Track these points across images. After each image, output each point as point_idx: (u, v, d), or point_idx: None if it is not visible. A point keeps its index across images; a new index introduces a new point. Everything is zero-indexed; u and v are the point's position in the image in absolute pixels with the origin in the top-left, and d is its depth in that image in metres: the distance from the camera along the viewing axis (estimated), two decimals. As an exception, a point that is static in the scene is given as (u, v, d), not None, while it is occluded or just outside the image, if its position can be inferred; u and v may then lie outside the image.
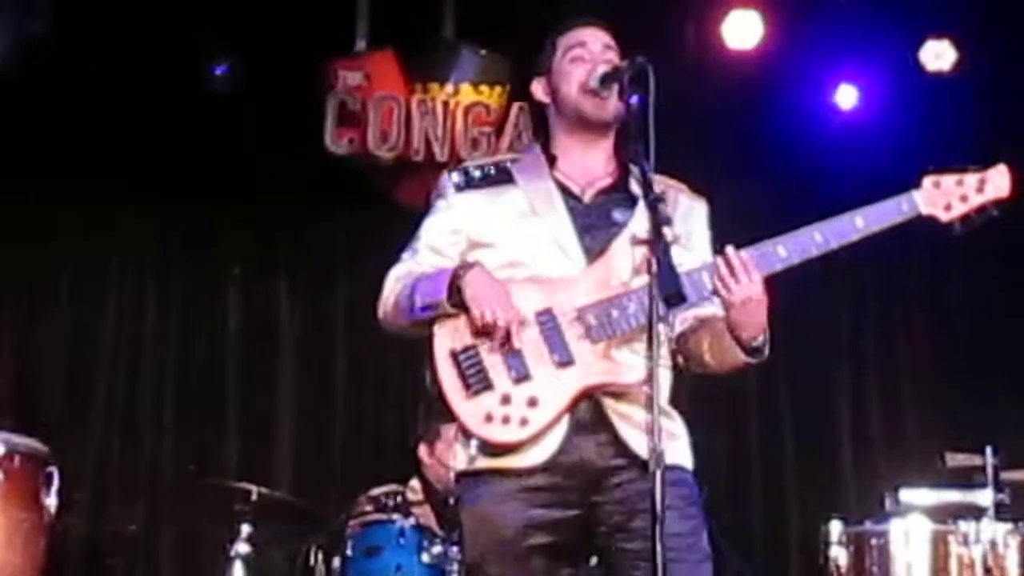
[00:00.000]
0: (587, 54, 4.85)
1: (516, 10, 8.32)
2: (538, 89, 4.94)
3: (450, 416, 4.71)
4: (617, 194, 4.80)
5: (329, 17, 8.60)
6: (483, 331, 4.59)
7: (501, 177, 4.92)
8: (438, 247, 4.85)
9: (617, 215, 4.71)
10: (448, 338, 4.67)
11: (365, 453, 8.70)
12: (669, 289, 4.26)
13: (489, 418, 4.58)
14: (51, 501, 6.69)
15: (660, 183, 4.62)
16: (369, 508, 7.36)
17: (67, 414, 8.51)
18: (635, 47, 4.80)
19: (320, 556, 6.97)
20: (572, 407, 4.55)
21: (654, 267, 4.25)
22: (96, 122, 8.24)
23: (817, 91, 8.96)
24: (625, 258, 4.60)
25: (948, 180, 4.69)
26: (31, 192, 8.36)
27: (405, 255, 4.91)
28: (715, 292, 4.56)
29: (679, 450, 4.66)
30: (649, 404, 4.34)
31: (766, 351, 4.63)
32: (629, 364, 4.56)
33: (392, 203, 8.60)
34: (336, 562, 7.06)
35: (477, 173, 4.94)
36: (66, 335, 8.73)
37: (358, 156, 8.59)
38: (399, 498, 7.38)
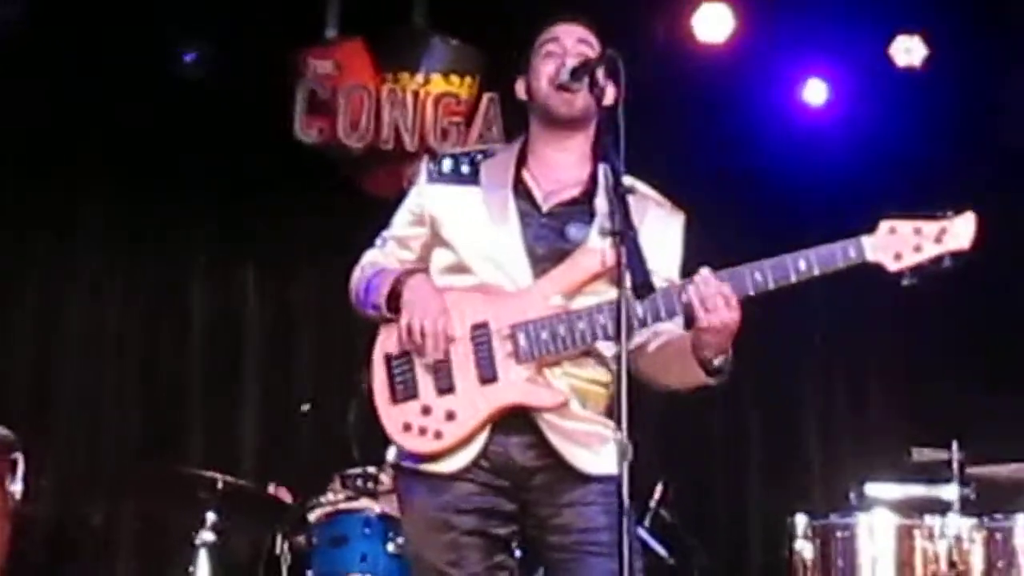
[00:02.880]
0: (559, 49, 4.84)
1: (486, 2, 8.34)
2: (520, 88, 4.94)
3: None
4: (577, 207, 4.77)
5: (299, 4, 8.61)
6: (408, 340, 4.61)
7: (468, 175, 4.89)
8: (404, 239, 4.90)
9: (572, 232, 4.70)
10: (388, 341, 4.72)
11: (329, 441, 8.68)
12: (638, 279, 4.24)
13: (407, 427, 4.64)
14: (16, 488, 6.71)
15: (640, 195, 4.69)
16: (340, 496, 7.39)
17: (32, 401, 8.49)
18: (605, 40, 4.83)
19: (286, 545, 6.97)
20: (487, 423, 4.57)
21: (623, 257, 4.26)
22: (62, 108, 8.23)
23: (787, 85, 8.99)
24: (571, 276, 4.62)
25: (905, 227, 4.55)
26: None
27: (377, 241, 4.95)
28: (690, 313, 4.53)
29: (605, 455, 4.53)
30: (581, 416, 4.59)
31: (727, 372, 4.63)
32: (550, 386, 4.59)
33: (361, 192, 8.61)
34: (301, 551, 7.10)
35: (451, 166, 4.92)
36: (31, 323, 8.70)
37: (327, 145, 8.61)
38: (371, 482, 7.39)
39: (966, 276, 8.62)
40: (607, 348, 4.64)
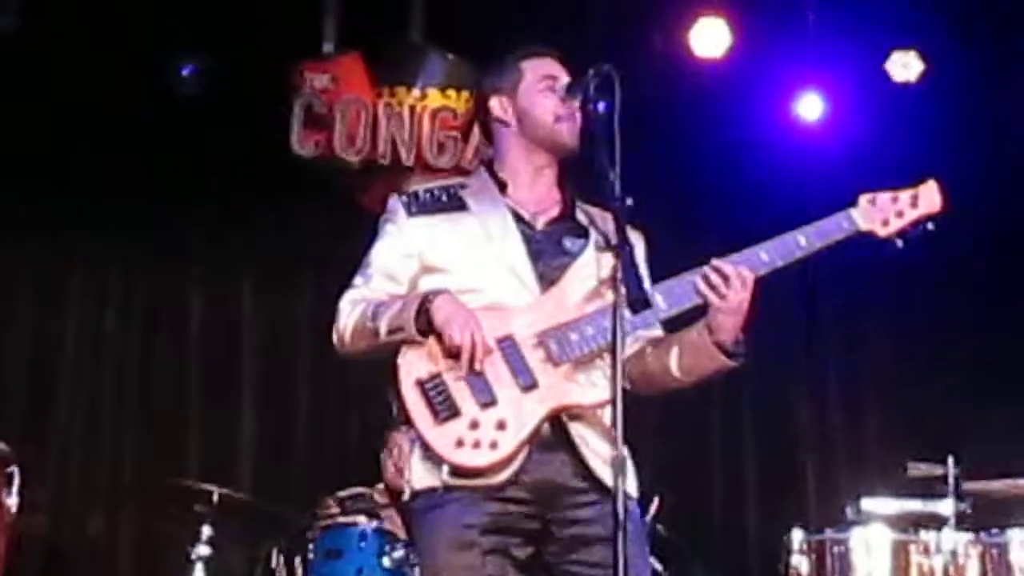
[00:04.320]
0: (558, 87, 4.95)
1: (484, 15, 8.33)
2: (498, 106, 4.99)
3: (402, 425, 4.81)
4: (566, 223, 4.89)
5: (297, 18, 8.62)
6: (452, 354, 4.64)
7: (453, 203, 4.98)
8: (391, 272, 4.91)
9: (568, 244, 4.84)
10: (413, 367, 4.72)
11: (327, 456, 8.71)
12: (635, 295, 4.35)
13: (460, 443, 4.63)
14: (11, 500, 6.71)
15: (597, 214, 4.88)
16: (335, 510, 7.39)
17: (29, 414, 8.50)
18: (602, 53, 4.83)
19: (281, 558, 6.98)
20: (539, 428, 4.62)
21: (619, 273, 4.34)
22: (61, 119, 8.23)
23: (784, 99, 8.99)
24: (578, 285, 4.71)
25: (883, 197, 4.94)
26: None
27: (357, 280, 4.95)
28: (704, 300, 4.70)
29: (630, 480, 4.65)
30: (607, 433, 4.52)
31: (743, 354, 4.77)
32: (591, 385, 4.64)
33: (358, 206, 8.60)
34: (297, 564, 7.09)
35: (428, 197, 5.00)
36: (28, 335, 8.71)
37: (324, 159, 8.62)
38: (362, 500, 7.41)
39: (960, 290, 8.68)
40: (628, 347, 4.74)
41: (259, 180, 8.61)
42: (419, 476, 4.75)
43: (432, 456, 4.69)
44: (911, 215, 4.96)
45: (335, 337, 4.92)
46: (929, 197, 5.01)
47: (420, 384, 4.67)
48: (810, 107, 9.01)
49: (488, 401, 4.66)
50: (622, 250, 4.40)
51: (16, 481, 6.73)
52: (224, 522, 6.99)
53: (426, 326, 4.64)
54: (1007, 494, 7.33)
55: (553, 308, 4.74)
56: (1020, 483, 7.36)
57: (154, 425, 8.73)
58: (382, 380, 7.48)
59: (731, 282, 4.70)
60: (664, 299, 4.76)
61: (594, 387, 4.66)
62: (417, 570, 6.92)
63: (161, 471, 8.17)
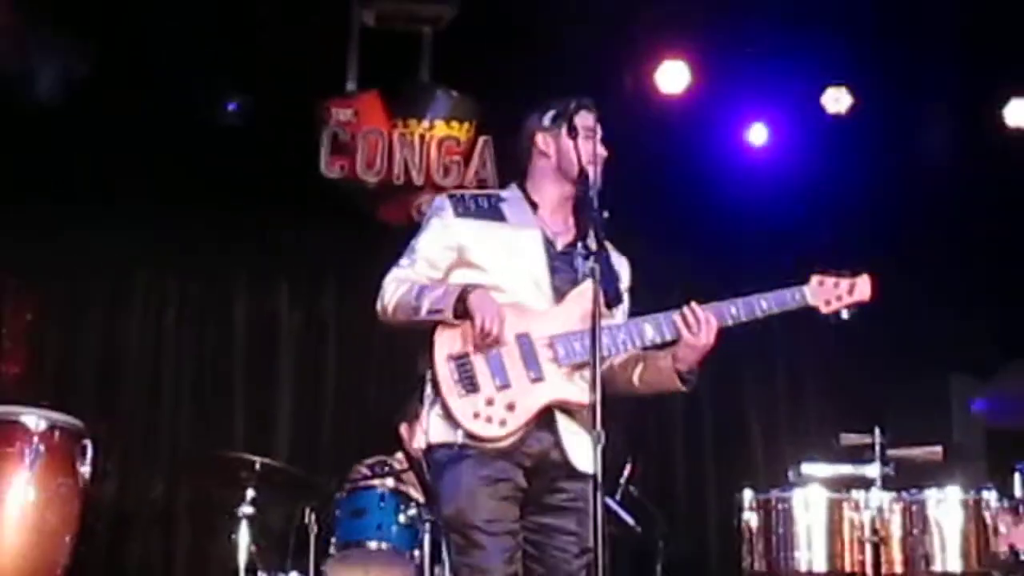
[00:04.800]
0: (593, 133, 5.03)
1: (482, 60, 8.33)
2: (542, 141, 5.10)
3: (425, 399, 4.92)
4: (578, 249, 4.88)
5: (324, 62, 8.60)
6: (479, 338, 4.77)
7: (494, 213, 5.08)
8: (434, 261, 4.99)
9: (577, 266, 4.90)
10: (447, 344, 4.84)
11: (350, 429, 8.72)
12: (611, 292, 4.59)
13: (476, 415, 4.78)
14: (85, 469, 6.69)
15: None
16: (364, 473, 7.40)
17: (99, 396, 8.50)
18: (575, 86, 4.87)
19: (313, 517, 6.97)
20: (540, 414, 4.77)
21: (597, 272, 4.49)
22: (128, 149, 8.22)
23: (736, 128, 8.99)
24: (582, 302, 4.72)
25: (829, 282, 5.19)
26: (73, 209, 8.32)
27: (403, 262, 5.04)
28: (677, 334, 4.94)
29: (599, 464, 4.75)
30: (585, 426, 4.68)
31: (694, 382, 5.04)
32: (584, 388, 4.64)
33: (376, 220, 8.61)
34: (326, 520, 7.10)
35: (473, 204, 5.12)
36: (99, 330, 8.71)
37: (347, 180, 8.59)
38: (387, 467, 7.43)
39: (884, 287, 8.64)
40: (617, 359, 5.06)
41: (293, 198, 8.60)
42: (435, 431, 4.86)
43: (449, 418, 4.80)
44: (847, 300, 5.21)
45: (379, 308, 5.01)
46: (863, 288, 5.25)
47: (451, 359, 4.81)
48: (758, 135, 9.01)
49: (503, 384, 4.80)
50: (599, 255, 4.56)
51: (89, 453, 6.71)
52: (264, 486, 6.97)
53: (462, 312, 4.76)
54: (924, 459, 7.33)
55: (563, 318, 4.86)
56: (935, 450, 7.36)
57: (205, 405, 8.75)
58: (398, 367, 7.52)
59: (700, 325, 4.91)
60: (653, 329, 4.97)
61: (585, 391, 4.67)
62: (427, 524, 6.97)
63: (211, 444, 8.20)
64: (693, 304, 4.95)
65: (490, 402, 4.78)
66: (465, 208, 5.06)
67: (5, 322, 8.44)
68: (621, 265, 5.10)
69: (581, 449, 4.77)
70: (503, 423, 4.77)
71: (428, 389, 4.91)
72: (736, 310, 5.04)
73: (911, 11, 8.37)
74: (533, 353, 4.85)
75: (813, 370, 9.36)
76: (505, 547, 4.81)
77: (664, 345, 5.00)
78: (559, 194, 5.09)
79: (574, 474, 4.81)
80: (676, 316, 4.95)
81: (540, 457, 4.83)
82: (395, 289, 4.94)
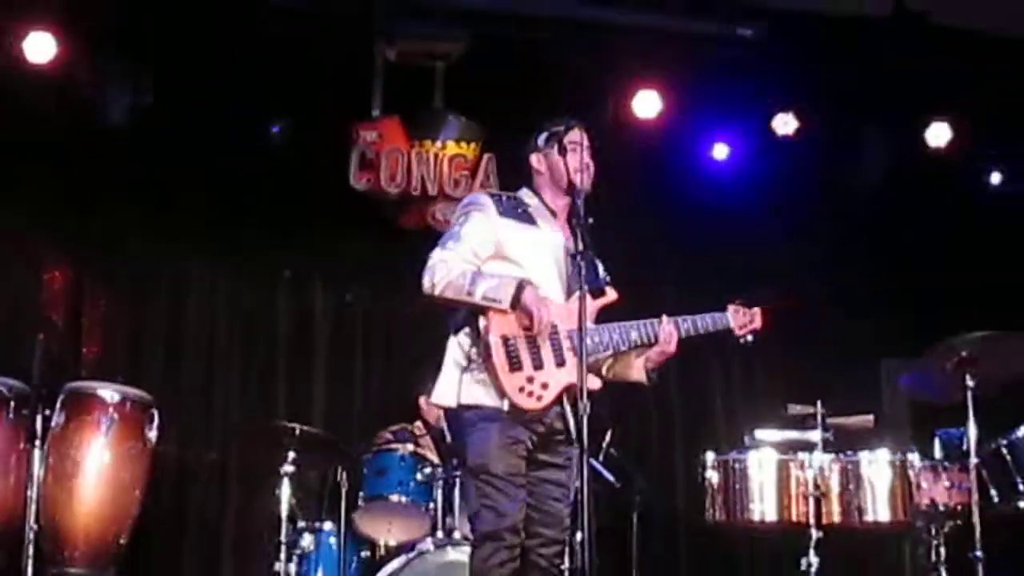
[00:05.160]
0: (579, 147, 5.12)
1: (487, 89, 8.33)
2: (536, 160, 5.20)
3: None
4: (582, 256, 4.91)
5: (353, 91, 8.61)
6: (530, 327, 4.87)
7: (527, 218, 5.13)
8: (476, 250, 5.00)
9: (584, 274, 4.89)
10: (499, 327, 4.90)
11: (375, 401, 8.73)
12: (593, 285, 4.72)
13: (521, 390, 4.87)
14: (152, 434, 6.71)
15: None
16: (388, 438, 7.45)
17: (164, 374, 8.51)
18: (565, 112, 4.89)
19: (343, 475, 6.98)
20: (563, 394, 4.88)
21: (583, 269, 4.56)
22: (187, 164, 8.23)
23: (701, 148, 9.00)
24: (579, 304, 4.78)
25: (741, 311, 5.47)
26: (141, 216, 8.34)
27: (450, 245, 5.02)
28: (654, 340, 5.15)
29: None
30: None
31: (656, 379, 5.30)
32: (591, 376, 4.82)
33: (397, 226, 8.62)
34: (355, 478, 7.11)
35: (510, 206, 5.16)
36: (164, 318, 8.72)
37: (373, 191, 8.59)
38: (407, 433, 7.45)
39: (821, 281, 8.61)
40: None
41: (326, 206, 8.59)
42: (468, 394, 4.93)
43: (494, 386, 4.89)
44: (750, 327, 5.50)
45: (427, 283, 4.96)
46: (758, 320, 5.55)
47: (504, 339, 4.88)
48: (720, 152, 9.01)
49: (539, 366, 4.89)
50: (584, 256, 4.63)
51: (155, 420, 6.73)
52: (303, 449, 6.96)
53: (517, 303, 4.80)
54: (858, 427, 7.33)
55: (571, 314, 4.86)
56: (867, 419, 7.35)
57: (253, 381, 8.76)
58: (415, 349, 7.50)
59: (672, 337, 5.18)
60: (637, 334, 5.13)
61: (592, 378, 4.85)
62: (440, 482, 6.97)
63: (258, 413, 8.23)
64: (665, 318, 5.13)
65: (530, 380, 4.87)
66: (504, 209, 5.10)
67: (85, 312, 8.45)
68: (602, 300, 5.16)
69: (571, 415, 4.89)
70: (540, 398, 4.87)
71: (462, 359, 4.96)
72: (688, 326, 5.26)
73: (848, 50, 8.39)
74: (558, 342, 4.95)
75: (765, 353, 9.30)
76: (519, 496, 4.91)
77: (639, 346, 5.17)
78: (563, 203, 5.15)
79: (571, 440, 4.90)
80: (654, 326, 5.13)
81: (550, 426, 4.92)
82: (446, 270, 4.92)
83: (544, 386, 4.88)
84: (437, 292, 4.92)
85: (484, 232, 5.00)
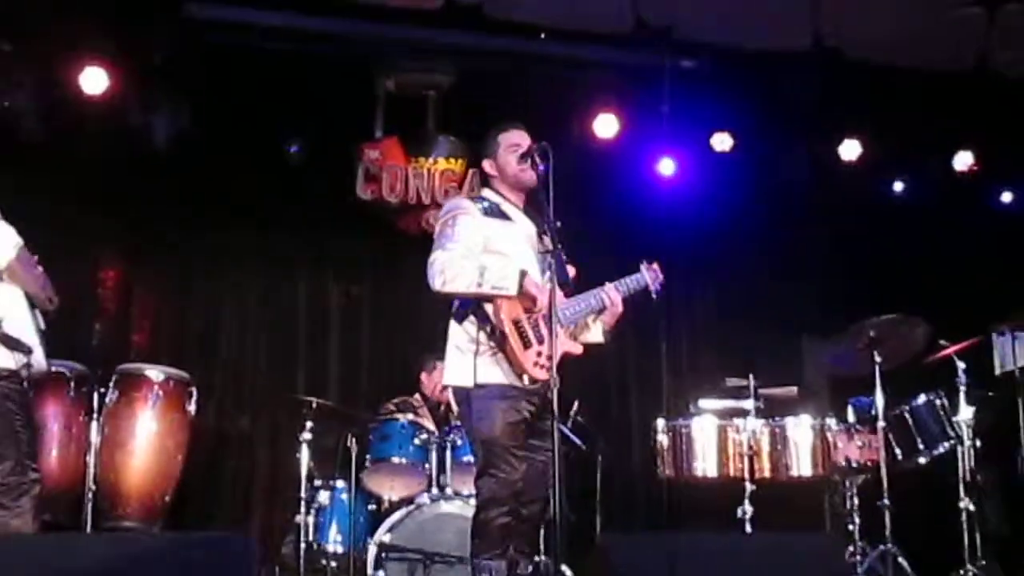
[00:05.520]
0: (519, 147, 5.05)
1: (471, 114, 8.33)
2: (487, 166, 5.14)
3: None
4: (546, 252, 4.92)
5: (359, 117, 8.63)
6: (528, 308, 4.84)
7: (505, 215, 5.06)
8: (470, 247, 4.93)
9: (549, 260, 4.92)
10: (509, 311, 4.85)
11: (380, 378, 8.71)
12: (562, 280, 4.62)
13: (536, 364, 4.83)
14: (191, 408, 6.75)
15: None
16: (391, 409, 7.43)
17: (201, 354, 8.47)
18: (541, 135, 4.90)
19: (353, 440, 6.97)
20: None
21: (553, 265, 4.56)
22: (218, 181, 8.22)
23: (650, 163, 9.00)
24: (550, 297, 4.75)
25: (648, 270, 5.29)
26: (181, 222, 8.32)
27: (448, 245, 4.94)
28: (602, 309, 5.09)
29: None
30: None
31: (611, 337, 5.24)
32: (574, 343, 4.97)
33: (396, 229, 8.62)
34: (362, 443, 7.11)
35: (489, 206, 5.07)
36: (201, 310, 8.70)
37: (376, 201, 8.61)
38: (406, 405, 7.47)
39: (757, 275, 8.62)
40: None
41: (337, 213, 8.60)
42: (484, 374, 4.87)
43: (510, 364, 4.86)
44: (659, 281, 5.30)
45: (438, 282, 4.88)
46: (660, 275, 5.33)
47: (514, 322, 4.83)
48: (666, 167, 9.02)
49: (540, 340, 4.82)
50: (556, 255, 4.61)
51: (194, 396, 6.76)
52: (319, 419, 6.97)
53: (521, 289, 4.78)
54: (784, 396, 7.37)
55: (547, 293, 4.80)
56: (791, 390, 7.40)
57: (277, 361, 8.72)
58: (414, 333, 7.47)
59: (615, 300, 5.11)
60: (595, 300, 5.09)
61: (576, 344, 4.99)
62: (434, 447, 6.97)
63: (281, 389, 8.21)
64: (607, 284, 5.10)
65: (539, 353, 4.81)
66: (485, 209, 5.04)
67: (133, 305, 8.44)
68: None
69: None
70: (548, 369, 4.75)
71: (471, 344, 4.92)
72: (624, 288, 5.16)
73: (775, 79, 8.42)
74: (548, 319, 4.81)
75: (706, 334, 9.39)
76: (520, 466, 4.86)
77: (595, 312, 5.15)
78: (517, 198, 5.11)
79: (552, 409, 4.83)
80: (602, 294, 5.09)
81: (543, 398, 4.82)
82: (455, 270, 4.86)
83: (548, 358, 4.79)
84: (448, 288, 4.85)
85: (473, 231, 4.94)
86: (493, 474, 4.83)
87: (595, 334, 5.19)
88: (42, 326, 5.41)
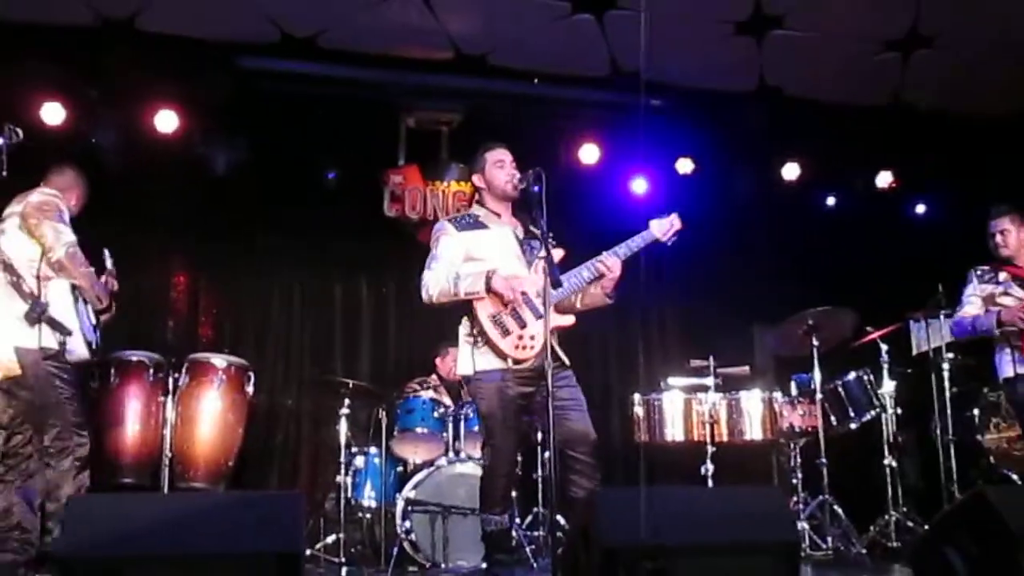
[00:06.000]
0: (505, 164, 5.06)
1: (478, 144, 8.32)
2: (477, 180, 5.12)
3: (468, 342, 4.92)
4: (529, 240, 4.93)
5: (384, 148, 8.63)
6: (507, 300, 4.77)
7: (479, 224, 5.02)
8: (451, 261, 4.93)
9: (532, 247, 4.89)
10: (486, 309, 4.83)
11: (403, 361, 8.70)
12: (554, 279, 4.63)
13: (516, 347, 4.78)
14: (249, 389, 6.77)
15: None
16: (414, 387, 7.41)
17: (256, 344, 8.47)
18: (536, 161, 4.90)
19: (383, 414, 6.98)
20: (547, 338, 4.64)
21: (546, 268, 4.53)
22: (268, 203, 8.22)
23: (624, 182, 9.00)
24: (540, 270, 4.69)
25: (660, 220, 5.20)
26: (237, 240, 8.32)
27: (433, 265, 4.97)
28: (600, 276, 4.93)
29: (565, 359, 4.92)
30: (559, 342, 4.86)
31: (614, 297, 5.04)
32: (560, 317, 4.86)
33: (416, 241, 8.59)
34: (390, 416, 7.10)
35: (464, 221, 5.07)
36: (256, 308, 8.67)
37: (400, 217, 8.59)
38: (426, 384, 7.45)
39: (720, 271, 8.58)
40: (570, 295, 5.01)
41: (368, 228, 8.56)
42: (480, 363, 4.84)
43: (495, 352, 4.79)
44: (674, 230, 5.20)
45: (425, 297, 4.93)
46: (676, 221, 5.22)
47: (491, 316, 4.82)
48: (639, 186, 9.02)
49: (523, 325, 4.79)
50: (548, 260, 4.58)
51: (251, 379, 6.77)
52: (355, 396, 7.00)
53: (489, 288, 4.76)
54: (738, 374, 7.38)
55: (537, 279, 4.78)
56: (744, 369, 7.41)
57: (318, 349, 8.67)
58: (430, 326, 7.44)
59: (611, 265, 4.94)
60: (587, 272, 4.96)
61: (561, 317, 4.86)
62: (450, 420, 6.97)
63: (322, 372, 8.19)
64: (604, 253, 4.97)
65: (520, 337, 4.77)
66: (461, 225, 5.03)
67: (201, 304, 8.43)
68: (557, 256, 5.02)
69: (562, 351, 4.86)
70: (531, 348, 4.76)
71: (469, 338, 4.89)
72: (624, 250, 5.03)
73: (726, 113, 8.43)
74: (532, 302, 4.82)
75: (674, 320, 9.38)
76: (513, 437, 4.86)
77: (592, 281, 5.01)
78: (502, 207, 5.07)
79: (563, 367, 4.84)
80: (598, 263, 4.95)
81: (539, 370, 4.67)
82: (435, 284, 4.89)
83: (532, 337, 4.79)
84: (434, 300, 4.91)
85: (453, 248, 4.96)
86: (492, 444, 4.87)
87: (599, 298, 5.11)
88: (92, 320, 5.36)
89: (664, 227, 5.16)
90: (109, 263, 5.64)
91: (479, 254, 4.95)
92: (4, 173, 4.93)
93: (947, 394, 6.79)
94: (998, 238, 6.03)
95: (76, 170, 5.62)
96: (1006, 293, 5.94)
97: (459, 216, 5.17)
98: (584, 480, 4.77)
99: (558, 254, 4.98)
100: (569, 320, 4.96)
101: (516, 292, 4.79)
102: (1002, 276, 6.00)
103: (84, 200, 5.61)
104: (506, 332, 4.80)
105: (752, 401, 7.12)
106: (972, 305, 6.04)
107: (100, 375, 6.45)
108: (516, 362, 4.78)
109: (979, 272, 6.09)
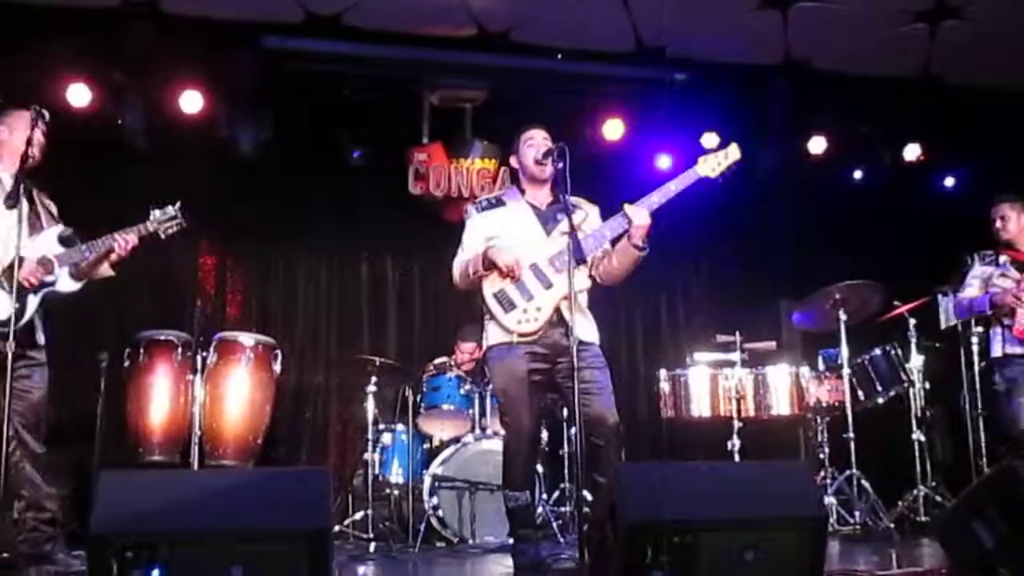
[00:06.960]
0: (535, 143, 4.99)
1: (501, 121, 8.31)
2: (512, 161, 5.09)
3: (483, 326, 4.94)
4: (554, 208, 4.91)
5: (409, 126, 8.61)
6: (506, 272, 4.74)
7: (499, 204, 5.04)
8: (475, 246, 4.95)
9: (558, 216, 4.88)
10: (491, 286, 4.84)
11: (428, 341, 8.71)
12: (577, 255, 4.57)
13: (520, 321, 4.74)
14: (276, 367, 6.80)
15: (578, 201, 4.94)
16: (433, 367, 7.42)
17: (284, 324, 8.50)
18: (560, 137, 4.88)
19: (409, 391, 7.01)
20: (556, 310, 4.69)
21: (571, 243, 4.50)
22: (295, 182, 8.23)
23: (650, 158, 8.94)
24: (562, 237, 4.69)
25: (710, 155, 4.97)
26: (264, 219, 8.33)
27: (459, 251, 5.02)
28: (625, 226, 4.78)
29: (594, 333, 4.79)
30: (580, 312, 4.76)
31: (647, 248, 4.83)
32: (576, 280, 4.62)
33: (441, 218, 8.61)
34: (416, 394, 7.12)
35: (485, 203, 5.10)
36: (282, 286, 8.69)
37: (425, 195, 8.58)
38: (447, 363, 7.46)
39: (744, 250, 8.53)
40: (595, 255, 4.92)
41: (393, 206, 8.56)
42: (491, 337, 4.87)
43: (502, 327, 4.79)
44: (725, 164, 4.95)
45: (454, 280, 5.00)
46: (733, 152, 4.98)
47: (494, 294, 4.81)
48: (664, 162, 8.96)
49: (529, 297, 4.74)
50: (571, 234, 4.57)
51: (279, 357, 6.80)
52: (381, 374, 7.03)
53: (489, 265, 4.79)
54: (764, 350, 7.36)
55: (555, 244, 4.79)
56: (771, 344, 7.40)
57: (345, 327, 8.71)
58: (454, 308, 7.43)
59: (637, 214, 4.78)
60: (610, 229, 4.84)
61: (577, 280, 4.67)
62: (476, 396, 7.00)
63: (350, 350, 8.24)
64: (627, 206, 4.81)
65: (525, 311, 4.74)
66: (481, 207, 5.06)
67: (228, 284, 8.48)
68: (592, 211, 5.01)
69: (580, 328, 4.65)
70: (536, 320, 4.72)
71: (485, 313, 4.92)
72: (658, 197, 4.83)
73: (753, 87, 8.37)
74: (541, 272, 4.79)
75: (700, 298, 9.36)
76: (528, 410, 4.81)
77: (618, 239, 4.89)
78: (534, 186, 5.06)
79: (582, 343, 4.64)
80: (621, 216, 4.82)
81: (556, 345, 4.74)
82: (456, 269, 4.99)
83: (538, 309, 4.76)
84: (458, 285, 5.00)
85: (476, 231, 4.99)
86: (506, 422, 4.89)
87: (629, 255, 4.87)
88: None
89: (714, 163, 4.94)
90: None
91: (496, 232, 4.97)
92: (38, 156, 4.94)
93: (976, 368, 6.74)
94: (998, 223, 6.32)
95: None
96: (1003, 275, 6.17)
97: (482, 199, 5.20)
98: (607, 466, 4.71)
99: (593, 209, 5.01)
100: (587, 282, 4.89)
101: (512, 257, 4.76)
102: (1002, 259, 6.25)
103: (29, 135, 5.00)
104: (511, 306, 4.78)
105: (779, 376, 7.10)
106: (972, 287, 6.30)
107: (130, 355, 6.55)
108: (521, 335, 4.76)
109: (982, 255, 6.34)
